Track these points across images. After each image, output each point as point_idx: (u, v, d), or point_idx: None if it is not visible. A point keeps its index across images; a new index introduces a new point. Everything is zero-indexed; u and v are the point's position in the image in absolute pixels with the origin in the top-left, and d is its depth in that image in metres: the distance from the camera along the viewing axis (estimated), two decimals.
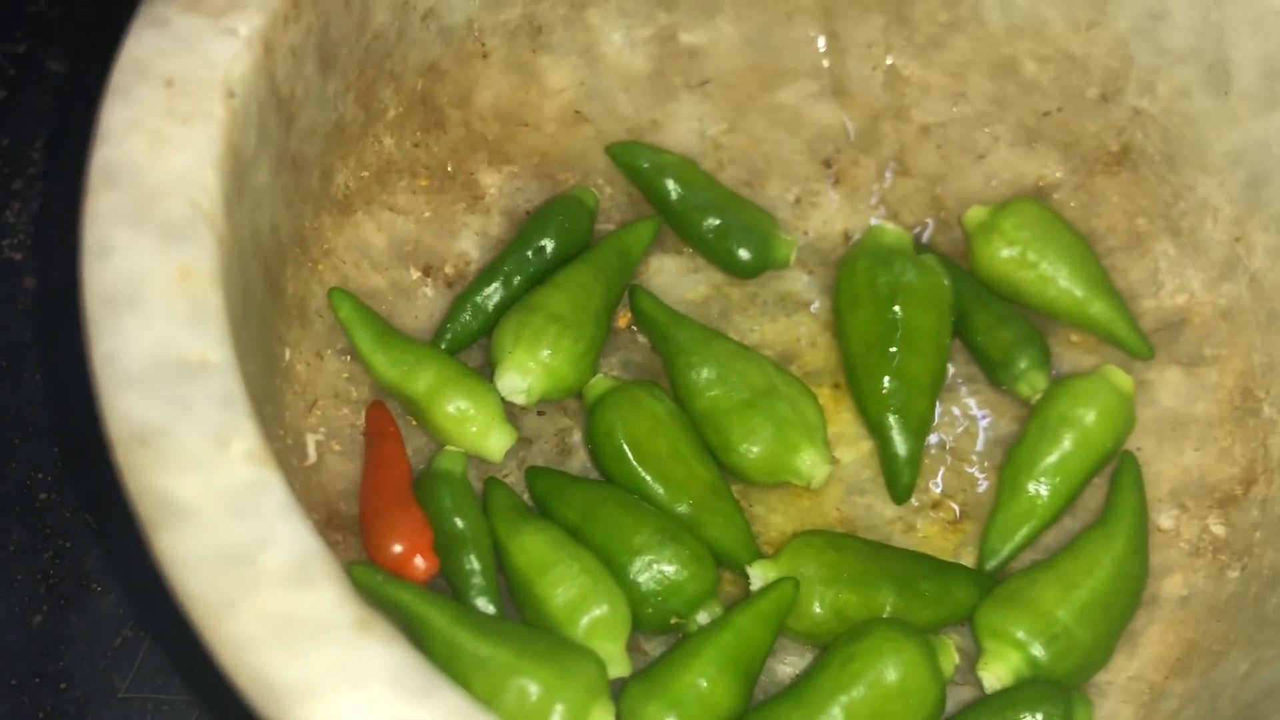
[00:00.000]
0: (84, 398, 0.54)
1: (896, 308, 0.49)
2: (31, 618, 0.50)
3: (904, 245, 0.51)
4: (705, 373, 0.48)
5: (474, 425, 0.45)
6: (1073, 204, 0.53)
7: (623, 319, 0.51)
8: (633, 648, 0.44)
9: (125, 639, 0.50)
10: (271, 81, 0.38)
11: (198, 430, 0.31)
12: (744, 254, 0.51)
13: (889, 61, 0.54)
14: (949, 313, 0.50)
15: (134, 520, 0.52)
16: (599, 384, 0.48)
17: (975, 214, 0.52)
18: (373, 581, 0.41)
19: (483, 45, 0.50)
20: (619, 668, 0.42)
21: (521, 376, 0.46)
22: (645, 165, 0.52)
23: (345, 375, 0.46)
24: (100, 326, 0.32)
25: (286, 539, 0.30)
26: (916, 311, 0.49)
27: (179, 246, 0.33)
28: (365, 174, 0.47)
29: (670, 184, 0.51)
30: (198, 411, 0.31)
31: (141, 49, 0.35)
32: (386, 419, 0.45)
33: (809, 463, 0.46)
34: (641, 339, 0.51)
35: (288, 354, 0.43)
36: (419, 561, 0.42)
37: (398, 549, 0.42)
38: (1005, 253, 0.51)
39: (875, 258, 0.50)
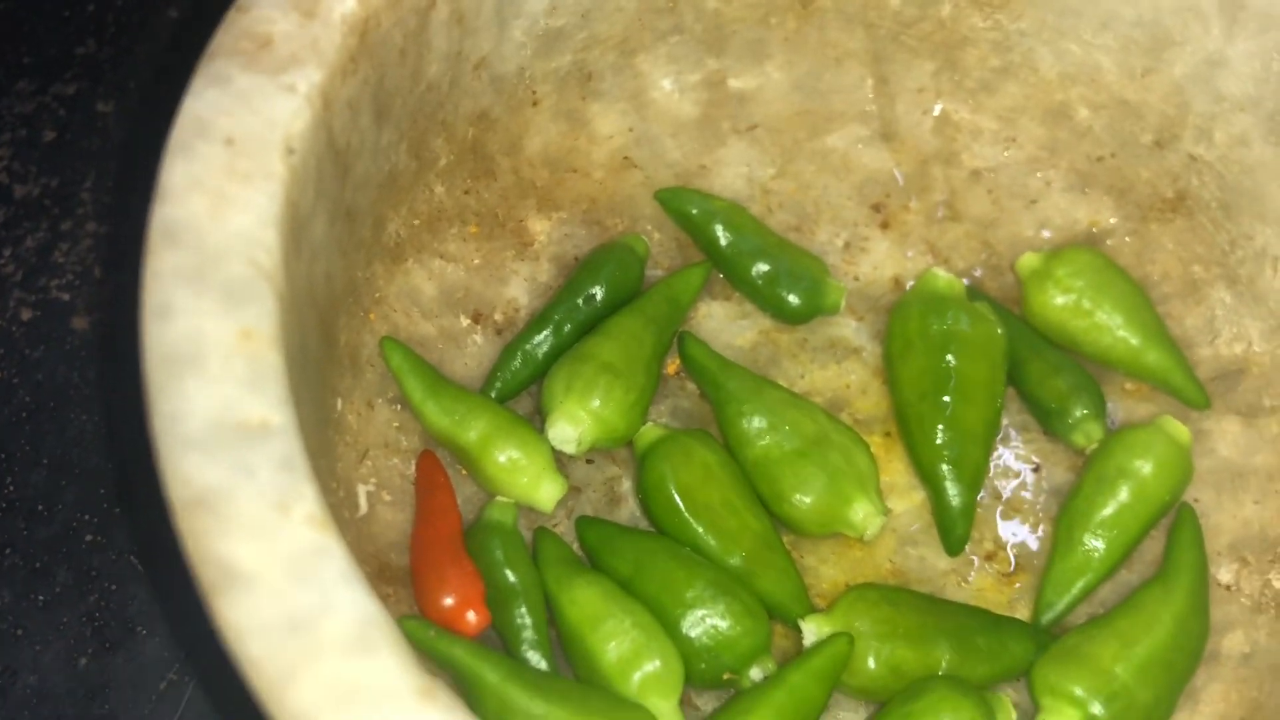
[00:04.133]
0: (131, 440, 0.55)
1: (950, 357, 0.48)
2: (78, 660, 0.50)
3: (956, 292, 0.50)
4: (756, 421, 0.47)
5: (525, 475, 0.45)
6: (1126, 250, 0.52)
7: (671, 366, 0.51)
8: (685, 703, 0.44)
9: (170, 683, 0.50)
10: (329, 135, 0.38)
11: (259, 495, 0.31)
12: (794, 300, 0.51)
13: (939, 106, 0.53)
14: (1003, 362, 0.49)
15: (179, 564, 0.53)
16: (649, 433, 0.47)
17: (1028, 261, 0.51)
18: (424, 636, 0.41)
19: (533, 93, 0.50)
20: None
21: (573, 426, 0.46)
22: (694, 211, 0.52)
23: (396, 424, 0.46)
24: (161, 388, 0.31)
25: (348, 606, 0.30)
26: (970, 360, 0.48)
27: (240, 308, 0.33)
28: (416, 222, 0.47)
29: (719, 229, 0.51)
30: (259, 476, 0.31)
31: (202, 106, 0.35)
32: (437, 469, 0.45)
33: (862, 514, 0.46)
34: (690, 386, 0.50)
35: (339, 404, 0.43)
36: (470, 616, 0.42)
37: (449, 602, 0.42)
38: (1059, 300, 0.50)
39: (927, 305, 0.50)
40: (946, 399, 0.48)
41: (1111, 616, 0.45)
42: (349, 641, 0.29)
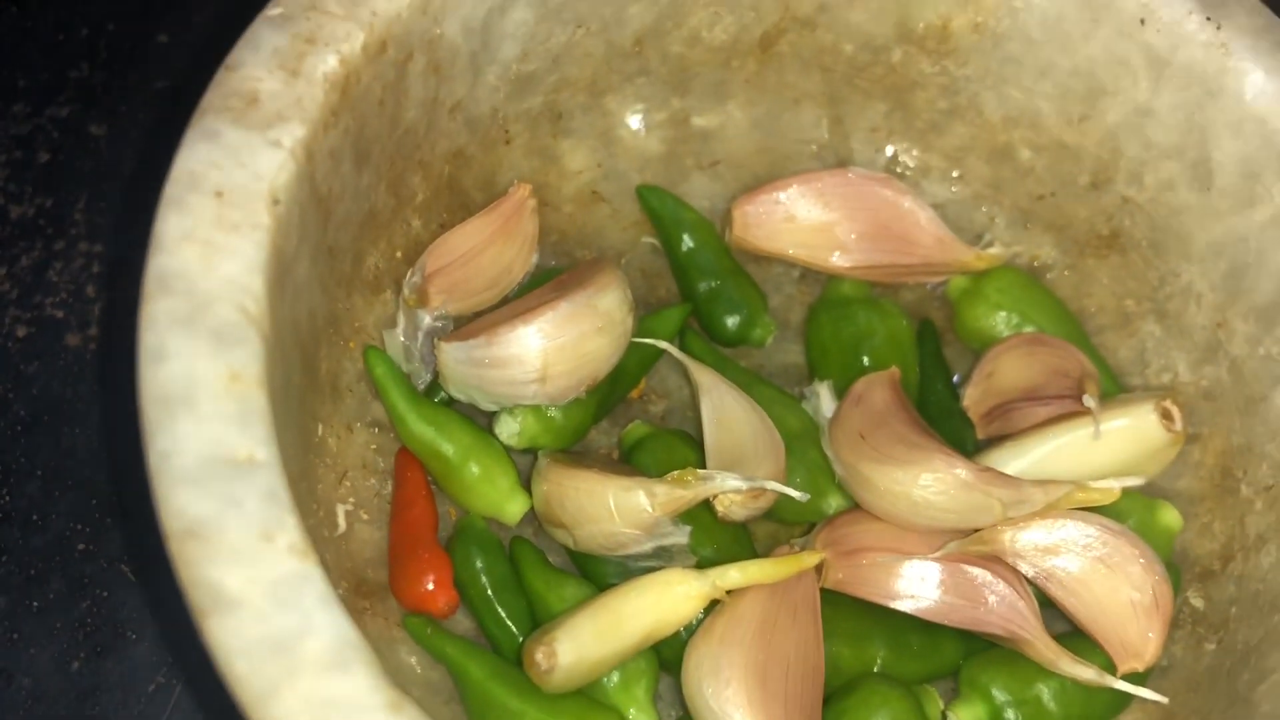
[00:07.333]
0: (121, 453, 0.58)
1: (864, 357, 0.52)
2: (70, 664, 0.53)
3: (862, 294, 0.54)
4: None
5: (497, 488, 0.48)
6: (1065, 283, 0.55)
7: (636, 391, 0.53)
8: (657, 698, 0.47)
9: (159, 685, 0.53)
10: (312, 184, 0.41)
11: (246, 525, 0.34)
12: (726, 323, 0.54)
13: (890, 146, 0.57)
14: (912, 350, 0.53)
15: (167, 572, 0.56)
16: (636, 430, 0.51)
17: (958, 282, 0.55)
18: (422, 633, 0.45)
19: (506, 132, 0.52)
20: (646, 718, 0.45)
21: (512, 418, 0.48)
22: (666, 213, 0.55)
23: (373, 447, 0.49)
24: (156, 426, 0.34)
25: (326, 628, 0.33)
26: (881, 357, 0.52)
27: (229, 350, 0.36)
28: (396, 255, 0.50)
29: (685, 237, 0.54)
30: (246, 507, 0.34)
31: (194, 161, 0.38)
32: (412, 462, 0.48)
33: (834, 506, 0.49)
34: (653, 408, 0.54)
35: (320, 429, 0.46)
36: (439, 596, 0.46)
37: (427, 586, 0.46)
38: (989, 316, 0.53)
39: (837, 310, 0.53)
40: None
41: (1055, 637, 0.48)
42: (327, 660, 0.33)
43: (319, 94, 0.40)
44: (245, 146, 0.39)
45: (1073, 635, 0.47)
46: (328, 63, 0.41)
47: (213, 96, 0.39)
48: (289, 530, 0.34)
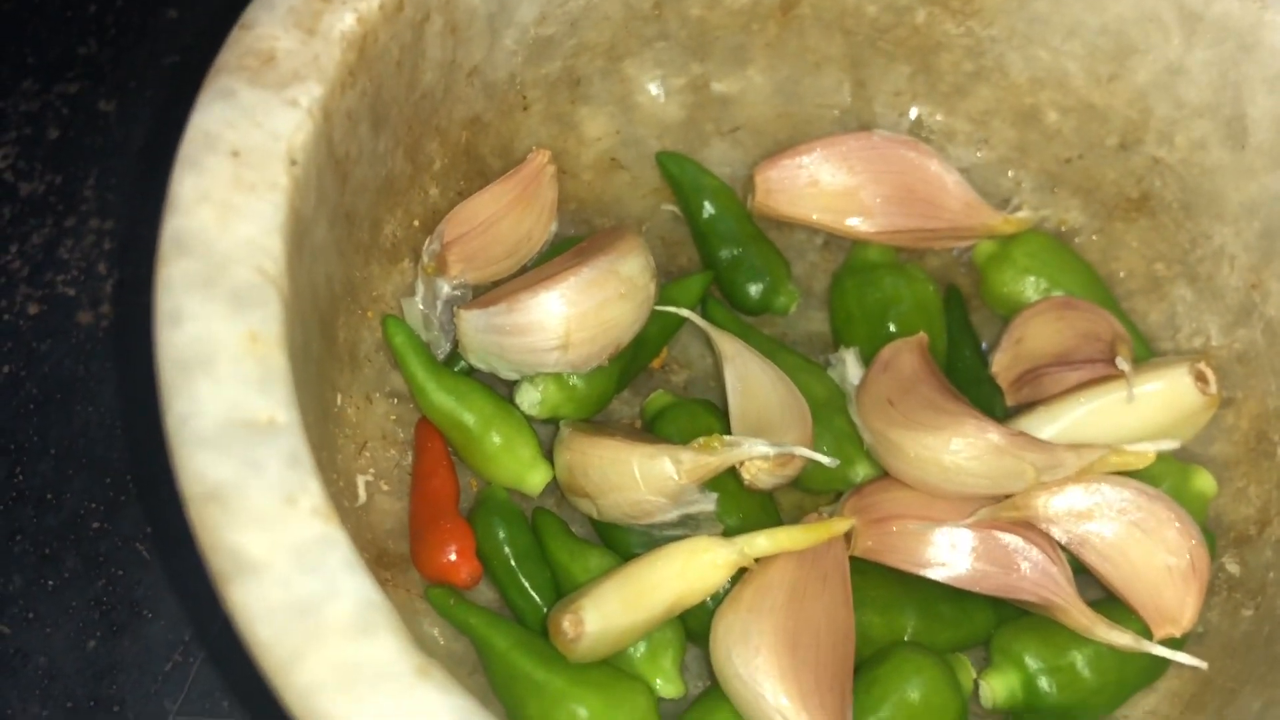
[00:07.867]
0: (135, 431, 0.57)
1: (890, 324, 0.51)
2: (86, 643, 0.52)
3: (887, 259, 0.53)
4: None
5: (518, 458, 0.47)
6: (1093, 248, 0.54)
7: (657, 361, 0.53)
8: (683, 669, 0.46)
9: (175, 664, 0.52)
10: (329, 145, 0.40)
11: (267, 489, 0.33)
12: (749, 291, 0.53)
13: (914, 109, 0.55)
14: (939, 316, 0.52)
15: (182, 550, 0.55)
16: (658, 399, 0.50)
17: (985, 247, 0.54)
18: (445, 605, 0.45)
19: (524, 98, 0.51)
20: (673, 688, 0.44)
21: (533, 386, 0.48)
22: (688, 180, 0.54)
23: (392, 417, 0.48)
24: (174, 390, 0.34)
25: (350, 592, 0.32)
26: (908, 323, 0.51)
27: (247, 312, 0.35)
28: (414, 223, 0.49)
29: (706, 204, 0.53)
30: (267, 471, 0.33)
31: (210, 121, 0.37)
32: (433, 432, 0.48)
33: (862, 475, 0.48)
34: (675, 378, 0.53)
35: (339, 399, 0.45)
36: (461, 567, 0.45)
37: (449, 557, 0.45)
38: (1016, 280, 0.52)
39: (862, 276, 0.52)
40: None
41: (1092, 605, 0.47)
42: (351, 624, 0.32)
43: (336, 53, 0.40)
44: (261, 106, 0.38)
45: (1107, 602, 0.46)
46: (345, 21, 0.40)
47: (228, 55, 0.38)
48: (312, 494, 0.33)
